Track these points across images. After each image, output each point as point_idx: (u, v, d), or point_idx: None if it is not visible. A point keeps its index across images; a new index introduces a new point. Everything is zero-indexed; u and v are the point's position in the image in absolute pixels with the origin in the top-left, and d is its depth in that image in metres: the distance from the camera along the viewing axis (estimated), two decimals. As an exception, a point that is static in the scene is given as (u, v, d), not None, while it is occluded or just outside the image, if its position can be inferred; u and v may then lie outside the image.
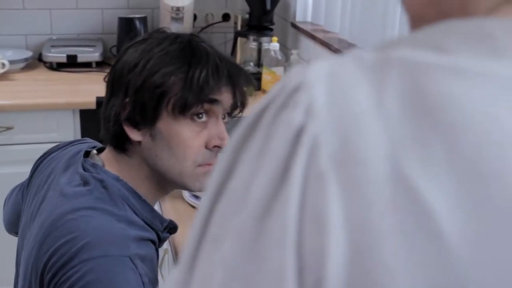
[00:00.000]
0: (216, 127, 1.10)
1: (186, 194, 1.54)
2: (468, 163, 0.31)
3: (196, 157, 1.08)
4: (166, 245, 1.43)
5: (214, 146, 1.10)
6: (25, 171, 1.25)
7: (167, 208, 1.54)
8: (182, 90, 1.05)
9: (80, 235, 0.98)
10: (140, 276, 0.99)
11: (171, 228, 1.15)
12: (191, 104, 1.05)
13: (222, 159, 0.38)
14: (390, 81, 0.33)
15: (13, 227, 1.30)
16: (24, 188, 1.24)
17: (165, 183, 1.13)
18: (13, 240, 1.23)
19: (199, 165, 1.09)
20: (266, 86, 2.40)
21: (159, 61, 1.05)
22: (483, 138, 0.31)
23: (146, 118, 1.06)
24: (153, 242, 1.08)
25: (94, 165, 1.09)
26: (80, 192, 1.04)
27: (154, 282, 1.05)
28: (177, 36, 1.10)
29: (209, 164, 1.11)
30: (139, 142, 1.08)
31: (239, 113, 1.15)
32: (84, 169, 1.09)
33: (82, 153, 1.13)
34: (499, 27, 0.36)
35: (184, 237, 1.45)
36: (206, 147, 1.09)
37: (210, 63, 1.07)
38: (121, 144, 1.10)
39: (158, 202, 1.66)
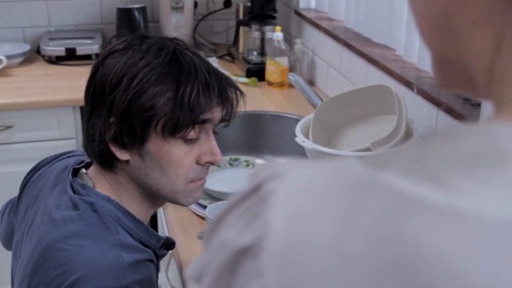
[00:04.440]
0: (207, 143, 1.08)
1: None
2: None
3: (188, 174, 1.07)
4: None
5: (206, 162, 1.08)
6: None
7: (170, 216, 1.50)
8: (172, 111, 1.00)
9: (72, 268, 0.95)
10: None
11: (168, 244, 1.13)
12: (181, 126, 1.01)
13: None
14: (363, 216, 0.28)
15: (9, 245, 1.27)
16: (14, 206, 1.20)
17: (156, 198, 1.11)
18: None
19: (191, 181, 1.08)
20: (270, 77, 2.34)
21: (145, 80, 1.00)
22: None
23: (134, 139, 1.02)
24: (150, 260, 1.06)
25: (83, 186, 1.05)
26: (70, 217, 1.01)
27: None
28: (160, 47, 1.03)
29: (201, 179, 1.10)
30: (127, 161, 1.05)
31: (227, 123, 1.12)
32: (74, 190, 1.05)
33: (70, 169, 1.09)
34: None
35: (188, 246, 1.41)
36: (197, 163, 1.07)
37: (199, 79, 1.02)
38: (108, 163, 1.06)
39: (162, 211, 1.62)
